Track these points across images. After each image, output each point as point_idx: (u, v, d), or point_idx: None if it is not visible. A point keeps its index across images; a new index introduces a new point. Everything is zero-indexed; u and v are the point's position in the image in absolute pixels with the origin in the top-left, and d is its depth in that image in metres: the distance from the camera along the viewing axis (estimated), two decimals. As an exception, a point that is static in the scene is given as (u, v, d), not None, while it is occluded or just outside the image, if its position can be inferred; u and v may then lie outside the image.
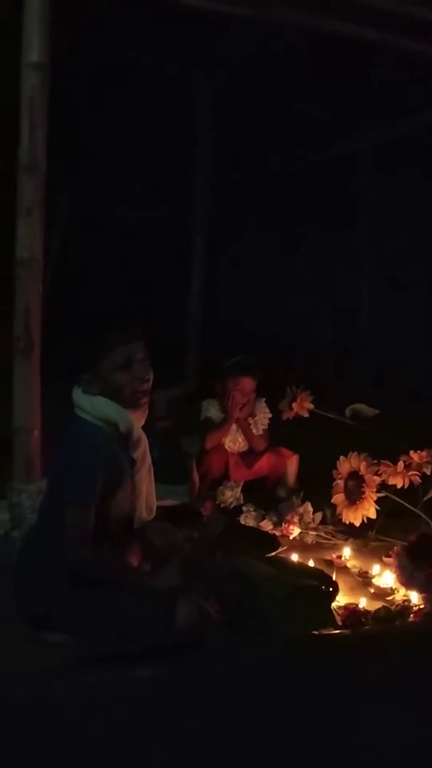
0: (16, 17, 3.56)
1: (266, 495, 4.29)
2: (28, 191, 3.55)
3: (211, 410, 4.44)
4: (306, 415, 4.08)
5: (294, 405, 4.11)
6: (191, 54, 6.11)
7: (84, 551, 2.41)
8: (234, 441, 4.45)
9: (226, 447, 4.42)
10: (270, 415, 4.46)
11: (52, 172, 3.64)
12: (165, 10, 4.34)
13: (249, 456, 4.46)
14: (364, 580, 3.34)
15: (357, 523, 3.63)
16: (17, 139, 3.57)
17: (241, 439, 4.45)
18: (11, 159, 3.60)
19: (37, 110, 3.53)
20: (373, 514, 3.56)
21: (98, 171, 7.65)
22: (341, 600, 3.02)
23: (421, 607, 3.03)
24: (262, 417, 4.46)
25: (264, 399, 4.47)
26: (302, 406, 4.09)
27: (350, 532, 3.78)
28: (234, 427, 4.42)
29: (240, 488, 4.23)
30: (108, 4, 4.83)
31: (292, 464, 4.40)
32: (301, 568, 3.30)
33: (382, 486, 3.58)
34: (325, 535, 3.88)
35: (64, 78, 3.84)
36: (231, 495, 4.18)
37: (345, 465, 3.72)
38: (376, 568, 3.40)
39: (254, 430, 4.44)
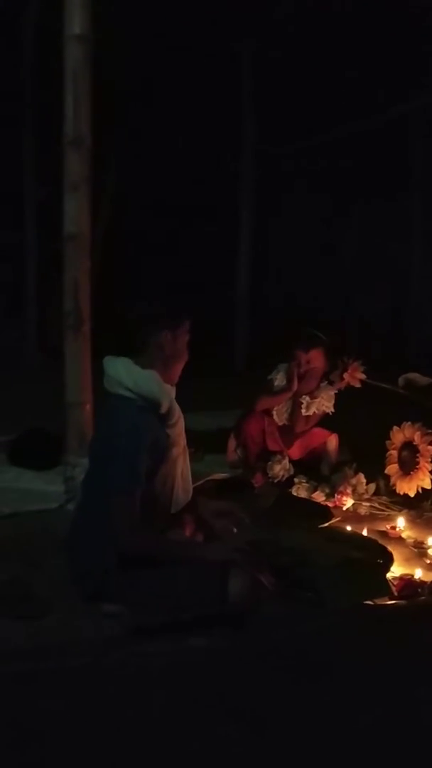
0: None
1: (318, 468, 4.24)
2: (74, 166, 3.55)
3: (279, 375, 4.29)
4: (358, 385, 4.02)
5: (345, 375, 4.04)
6: (234, 22, 6.01)
7: (134, 538, 2.40)
8: (280, 413, 4.32)
9: (273, 413, 4.35)
10: (331, 410, 4.28)
11: (98, 148, 3.63)
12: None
13: (287, 435, 4.35)
14: (419, 550, 3.29)
15: (411, 494, 3.59)
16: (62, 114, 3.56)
17: (286, 414, 4.33)
18: (58, 134, 3.60)
19: (80, 83, 3.51)
20: (428, 485, 3.51)
21: (145, 148, 7.64)
22: (396, 571, 2.99)
23: None
24: (320, 402, 4.26)
25: (335, 391, 4.25)
26: (353, 376, 4.03)
27: (405, 503, 3.73)
28: (289, 400, 4.31)
29: (287, 460, 4.17)
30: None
31: (331, 443, 4.29)
32: (355, 538, 3.27)
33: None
34: (378, 506, 3.83)
35: (108, 52, 3.82)
36: (281, 468, 4.15)
37: (399, 435, 3.67)
38: (431, 539, 3.35)
39: (303, 410, 4.27)
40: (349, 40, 5.74)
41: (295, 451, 4.33)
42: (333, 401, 4.27)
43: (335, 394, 4.25)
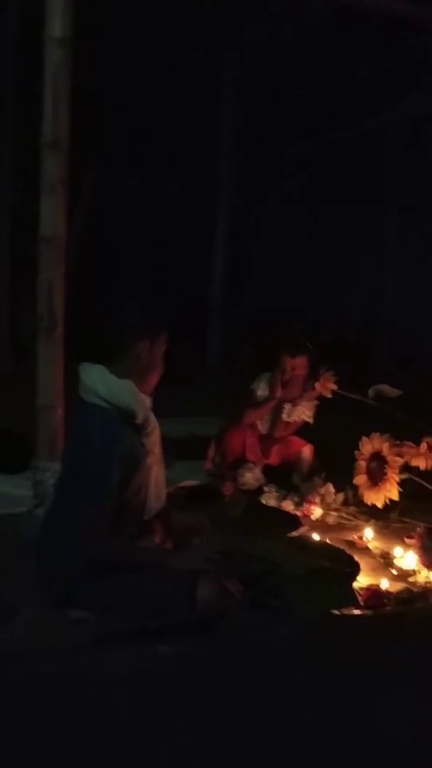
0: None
1: (287, 477, 4.27)
2: (51, 168, 3.53)
3: (261, 385, 4.30)
4: (329, 395, 4.05)
5: (317, 385, 4.07)
6: (219, 30, 6.04)
7: (102, 548, 2.40)
8: (262, 420, 4.34)
9: (257, 423, 4.36)
10: (311, 421, 4.31)
11: (77, 150, 3.62)
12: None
13: (266, 441, 4.37)
14: (385, 561, 3.33)
15: (379, 505, 3.62)
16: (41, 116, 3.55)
17: (268, 421, 4.35)
18: (35, 136, 3.58)
19: (60, 86, 3.50)
20: (395, 496, 3.54)
21: (123, 150, 7.63)
22: (363, 581, 3.01)
23: (444, 588, 3.01)
24: (301, 410, 4.29)
25: (317, 402, 4.27)
26: (325, 386, 4.06)
27: (372, 514, 3.76)
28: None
29: (259, 469, 4.20)
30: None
31: (306, 453, 4.33)
32: (322, 547, 3.30)
33: (405, 467, 3.55)
34: (346, 516, 3.86)
35: (88, 54, 3.81)
36: (251, 476, 4.17)
37: (367, 446, 3.70)
38: (398, 550, 3.38)
39: (284, 416, 4.30)
40: (327, 53, 5.81)
41: (274, 457, 4.35)
42: (313, 411, 4.30)
43: (316, 404, 4.29)
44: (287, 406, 4.30)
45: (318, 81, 6.62)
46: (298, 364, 4.21)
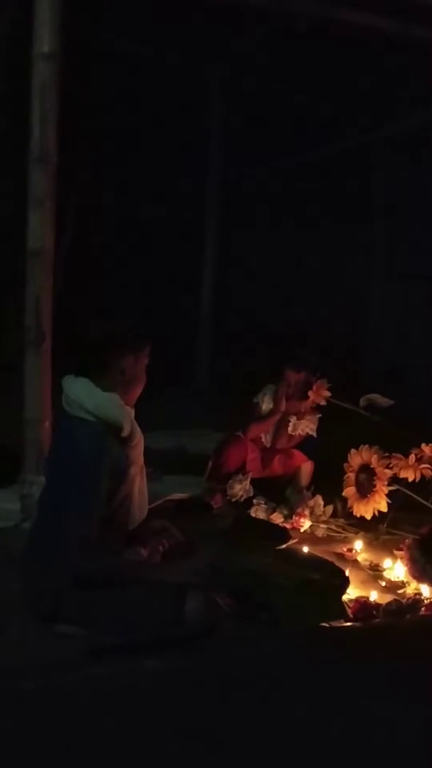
0: (27, 8, 3.55)
1: (276, 490, 4.26)
2: (39, 183, 3.55)
3: (266, 399, 4.31)
4: (323, 402, 4.05)
5: (310, 393, 4.07)
6: (204, 47, 6.09)
7: (88, 561, 2.39)
8: (265, 434, 4.35)
9: (261, 437, 4.35)
10: (314, 434, 4.32)
11: (64, 165, 3.64)
12: (176, 3, 4.33)
13: (268, 453, 4.38)
14: (375, 573, 3.33)
15: (368, 517, 3.62)
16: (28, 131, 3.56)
17: (270, 434, 4.35)
18: (23, 151, 3.59)
19: (48, 101, 3.52)
20: (384, 508, 3.55)
21: (109, 165, 7.65)
22: (352, 593, 3.01)
23: (433, 600, 3.01)
24: (305, 424, 4.29)
25: (320, 416, 4.30)
26: (319, 393, 4.06)
27: (361, 526, 3.76)
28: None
29: (249, 481, 4.19)
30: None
31: (306, 469, 4.33)
32: (312, 560, 3.29)
33: (394, 479, 3.56)
34: (335, 528, 3.86)
35: (75, 70, 3.84)
36: (240, 488, 4.15)
37: (356, 458, 3.71)
38: (387, 562, 3.38)
39: (290, 428, 4.30)
40: (314, 69, 5.87)
41: (277, 467, 4.35)
42: (317, 425, 4.31)
43: (319, 418, 4.29)
44: (292, 419, 4.31)
45: (304, 96, 6.67)
46: (294, 378, 4.22)
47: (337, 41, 4.90)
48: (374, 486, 3.58)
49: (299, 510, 3.93)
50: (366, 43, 4.76)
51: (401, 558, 3.31)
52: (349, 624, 2.74)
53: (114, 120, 7.32)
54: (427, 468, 3.52)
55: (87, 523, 2.37)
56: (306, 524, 3.87)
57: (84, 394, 2.48)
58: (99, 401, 2.48)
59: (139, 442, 2.62)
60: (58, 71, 3.54)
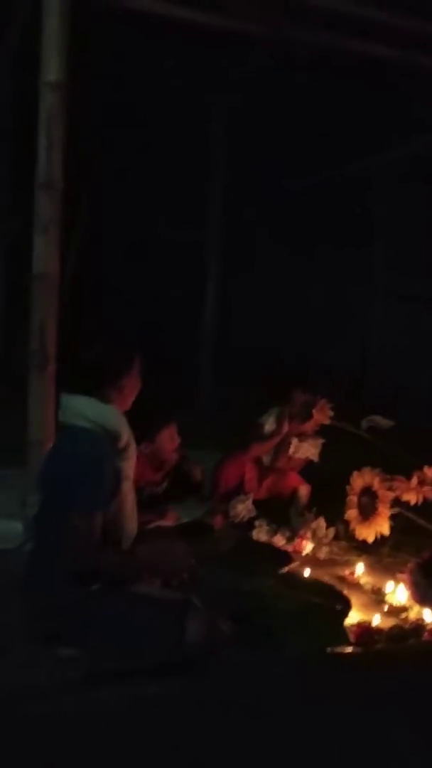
0: (34, 38, 3.63)
1: (278, 512, 4.26)
2: (45, 209, 3.60)
3: (270, 420, 4.33)
4: (327, 422, 4.06)
5: (314, 412, 4.08)
6: (206, 75, 6.18)
7: (92, 558, 2.41)
8: (266, 454, 4.37)
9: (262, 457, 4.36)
10: (316, 459, 4.34)
11: (70, 190, 3.69)
12: (179, 32, 4.41)
13: (265, 473, 4.40)
14: (377, 597, 3.32)
15: (370, 540, 3.62)
16: (35, 158, 3.62)
17: (271, 454, 4.37)
18: (29, 177, 3.65)
19: (54, 129, 3.58)
20: (386, 531, 3.54)
21: (115, 190, 7.74)
22: (354, 617, 3.01)
23: (435, 625, 3.00)
24: (307, 448, 4.31)
25: (323, 441, 4.33)
26: (322, 413, 4.07)
27: (364, 549, 3.76)
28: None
29: (251, 501, 4.18)
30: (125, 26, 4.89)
31: (302, 491, 4.35)
32: (313, 584, 3.29)
33: (396, 502, 3.56)
34: (338, 551, 3.86)
35: (82, 98, 3.90)
36: (243, 508, 4.15)
37: (358, 480, 3.71)
38: (389, 585, 3.38)
39: (291, 449, 4.31)
40: (315, 96, 5.95)
41: (271, 487, 4.36)
42: (319, 450, 4.33)
43: (322, 442, 4.31)
44: (294, 441, 4.32)
45: (306, 123, 6.76)
46: (306, 400, 4.24)
47: (338, 68, 4.97)
48: (376, 509, 3.57)
49: (301, 532, 3.93)
50: (367, 69, 4.82)
51: (404, 582, 3.31)
52: (350, 650, 2.73)
53: (115, 142, 7.41)
54: (430, 490, 3.51)
55: (91, 521, 2.40)
56: (308, 547, 3.87)
57: (84, 404, 2.56)
58: (99, 410, 2.55)
59: (133, 455, 2.66)
60: (65, 99, 3.60)
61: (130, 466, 2.65)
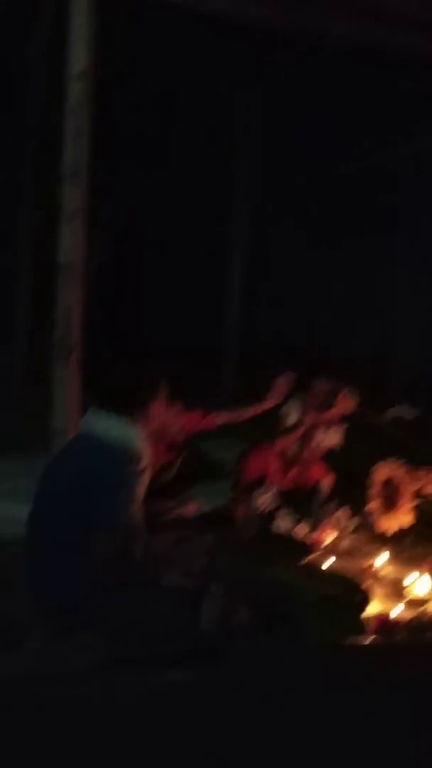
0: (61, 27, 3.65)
1: (302, 502, 4.26)
2: (71, 198, 3.62)
3: (292, 411, 4.29)
4: (350, 411, 4.04)
5: (336, 403, 4.06)
6: (235, 68, 6.16)
7: (124, 571, 2.46)
8: (290, 445, 4.37)
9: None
10: (338, 446, 4.29)
11: (97, 179, 3.71)
12: (208, 24, 4.39)
13: (289, 464, 4.38)
14: (398, 588, 3.32)
15: (392, 531, 3.61)
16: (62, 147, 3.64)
17: (296, 445, 4.35)
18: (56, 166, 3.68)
19: (81, 118, 3.60)
20: (408, 522, 3.54)
21: (141, 181, 7.76)
22: (374, 608, 3.00)
23: (456, 617, 3.00)
24: (330, 436, 4.29)
25: (346, 426, 4.27)
26: (345, 402, 4.05)
27: (385, 540, 3.75)
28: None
29: (273, 492, 4.18)
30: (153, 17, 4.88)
31: (326, 482, 4.34)
32: (332, 575, 3.29)
33: (419, 493, 3.55)
34: (360, 542, 3.85)
35: (110, 88, 3.91)
36: (265, 499, 4.15)
37: (381, 472, 3.71)
38: (410, 577, 3.37)
39: (313, 441, 4.26)
40: (339, 87, 5.91)
41: (296, 478, 4.36)
42: (341, 437, 4.33)
43: (344, 429, 4.31)
44: (317, 432, 4.32)
45: (332, 113, 6.71)
46: (329, 389, 4.24)
47: (365, 59, 4.93)
48: (399, 500, 3.57)
49: (324, 523, 3.93)
50: (393, 61, 4.77)
51: (425, 573, 3.30)
52: (367, 641, 2.74)
53: (141, 134, 7.42)
54: (453, 483, 3.51)
55: (139, 530, 2.50)
56: (330, 537, 3.87)
57: (110, 422, 2.60)
58: (125, 430, 2.59)
59: (146, 481, 2.67)
60: (92, 89, 3.62)
61: (142, 491, 2.66)
